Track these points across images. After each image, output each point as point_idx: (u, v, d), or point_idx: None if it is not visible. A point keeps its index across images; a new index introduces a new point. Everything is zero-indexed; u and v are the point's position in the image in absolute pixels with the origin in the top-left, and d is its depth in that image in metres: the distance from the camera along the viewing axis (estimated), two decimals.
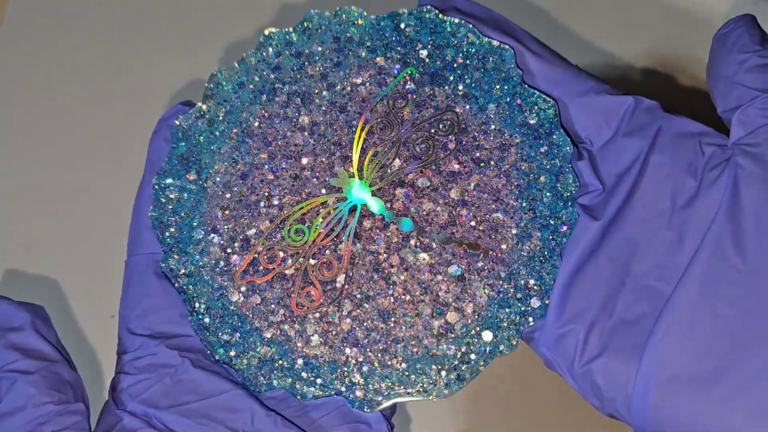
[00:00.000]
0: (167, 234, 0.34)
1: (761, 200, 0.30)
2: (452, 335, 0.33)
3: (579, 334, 0.32)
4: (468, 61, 0.35)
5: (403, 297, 0.33)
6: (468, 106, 0.35)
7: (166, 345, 0.33)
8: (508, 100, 0.35)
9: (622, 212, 0.33)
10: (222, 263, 0.34)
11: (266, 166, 0.35)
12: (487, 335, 0.33)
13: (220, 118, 0.35)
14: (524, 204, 0.34)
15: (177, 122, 0.35)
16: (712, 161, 0.32)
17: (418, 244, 0.33)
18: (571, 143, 0.34)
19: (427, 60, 0.35)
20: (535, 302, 0.33)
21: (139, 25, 0.46)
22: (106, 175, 0.43)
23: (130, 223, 0.35)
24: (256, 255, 0.34)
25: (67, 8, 0.46)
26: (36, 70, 0.45)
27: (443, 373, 0.32)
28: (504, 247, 0.33)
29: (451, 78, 0.35)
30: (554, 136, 0.34)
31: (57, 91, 0.45)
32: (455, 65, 0.35)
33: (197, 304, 0.33)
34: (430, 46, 0.35)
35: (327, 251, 0.34)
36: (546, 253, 0.33)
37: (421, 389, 0.32)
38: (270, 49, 0.36)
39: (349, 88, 0.35)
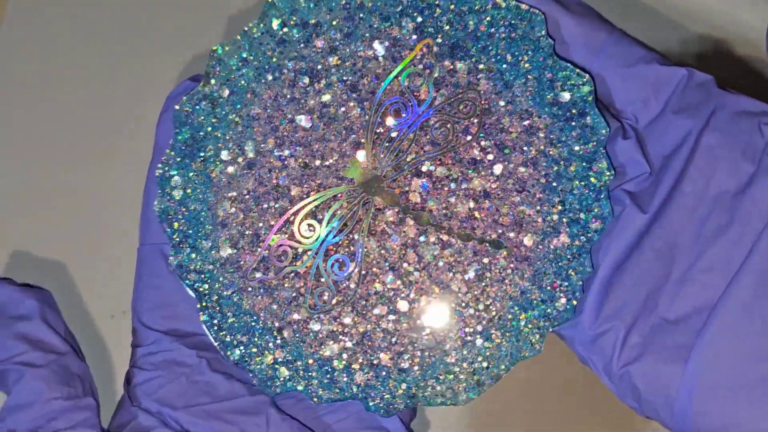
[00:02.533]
0: (175, 228, 0.33)
1: None
2: (472, 338, 0.31)
3: (618, 332, 0.29)
4: (493, 29, 0.31)
5: (419, 297, 0.31)
6: (492, 83, 0.31)
7: (184, 343, 0.32)
8: (537, 74, 0.31)
9: (670, 199, 0.30)
10: (233, 260, 0.32)
11: (274, 154, 0.32)
12: (509, 339, 0.31)
13: (224, 99, 0.33)
14: (552, 196, 0.31)
15: (178, 107, 0.33)
16: None
17: (437, 240, 0.31)
18: (608, 125, 0.31)
19: (448, 27, 0.32)
20: (561, 304, 0.31)
21: (139, 24, 0.45)
22: (107, 174, 0.42)
23: (141, 210, 0.34)
24: (266, 252, 0.32)
25: (66, 7, 0.45)
26: (36, 70, 0.44)
27: (462, 377, 0.31)
28: (529, 243, 0.31)
29: (474, 50, 0.31)
30: (588, 118, 0.31)
31: (57, 91, 0.44)
32: (479, 34, 0.31)
33: (208, 303, 0.32)
34: (451, 12, 0.32)
35: (340, 249, 0.32)
36: (574, 250, 0.31)
37: (439, 394, 0.31)
38: (273, 20, 0.33)
39: (360, 64, 0.32)
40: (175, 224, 0.33)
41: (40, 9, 0.44)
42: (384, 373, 0.31)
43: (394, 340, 0.31)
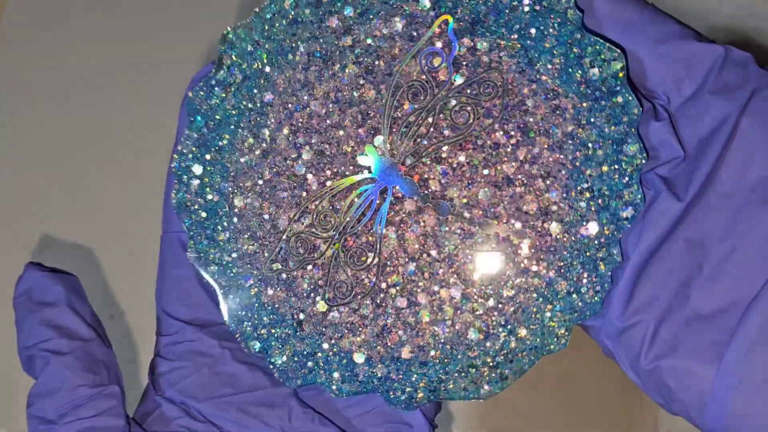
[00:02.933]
0: (192, 219, 0.32)
1: None
2: (495, 331, 0.30)
3: (648, 326, 0.28)
4: (516, 2, 0.29)
5: (441, 289, 0.30)
6: (516, 61, 0.29)
7: (206, 333, 0.32)
8: (564, 50, 0.29)
9: (705, 186, 0.28)
10: (251, 252, 0.32)
11: (288, 142, 0.31)
12: (533, 333, 0.30)
13: (237, 84, 0.32)
14: (580, 182, 0.29)
15: (191, 94, 0.32)
16: None
17: (458, 230, 0.30)
18: (640, 104, 0.28)
19: (467, 1, 0.30)
20: (588, 297, 0.29)
21: (139, 22, 0.44)
22: (107, 174, 0.42)
23: (164, 197, 0.34)
24: (285, 244, 0.31)
25: (66, 6, 0.45)
26: (35, 69, 0.44)
27: (485, 371, 0.30)
28: (555, 232, 0.29)
29: (496, 25, 0.29)
30: (619, 97, 0.28)
31: (56, 89, 0.44)
32: (500, 7, 0.29)
33: (230, 296, 0.32)
34: None
35: (358, 239, 0.31)
36: (603, 240, 0.29)
37: (461, 388, 0.30)
38: (286, 0, 0.31)
39: (376, 44, 0.30)
40: (192, 216, 0.32)
41: (40, 7, 0.44)
42: (405, 367, 0.31)
43: (415, 332, 0.30)
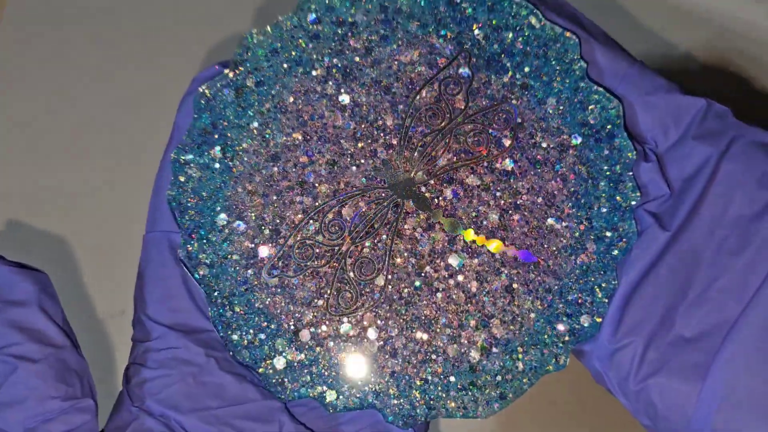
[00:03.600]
0: (187, 217, 0.31)
1: None
2: (497, 350, 0.30)
3: (637, 348, 0.30)
4: (528, 48, 0.32)
5: (446, 305, 0.30)
6: (526, 99, 0.32)
7: (192, 340, 0.29)
8: (568, 95, 0.32)
9: (689, 220, 0.31)
10: (248, 255, 0.31)
11: (301, 148, 0.31)
12: (534, 352, 0.31)
13: (250, 88, 0.31)
14: (580, 213, 0.31)
15: (201, 89, 0.31)
16: None
17: (465, 248, 0.31)
18: (634, 148, 0.32)
19: (483, 42, 0.32)
20: (585, 320, 0.31)
21: (140, 20, 0.44)
22: (107, 172, 0.41)
23: (151, 195, 0.32)
24: (287, 248, 0.30)
25: (66, 5, 0.44)
26: (35, 68, 0.43)
27: (486, 390, 0.30)
28: (557, 257, 0.31)
29: (509, 65, 0.32)
30: (616, 140, 0.32)
31: (55, 90, 0.43)
32: (514, 50, 0.32)
33: (219, 299, 0.30)
34: (487, 27, 0.32)
35: (365, 249, 0.31)
36: (600, 267, 0.31)
37: (460, 406, 0.30)
38: (309, 15, 0.32)
39: (395, 67, 0.32)
40: (188, 213, 0.31)
41: (39, 6, 0.44)
42: (404, 383, 0.30)
43: (417, 348, 0.30)
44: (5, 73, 0.43)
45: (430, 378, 0.30)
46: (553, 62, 0.32)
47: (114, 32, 0.44)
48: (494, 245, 0.31)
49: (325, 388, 0.30)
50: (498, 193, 0.31)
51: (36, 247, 0.40)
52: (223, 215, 0.31)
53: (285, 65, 0.31)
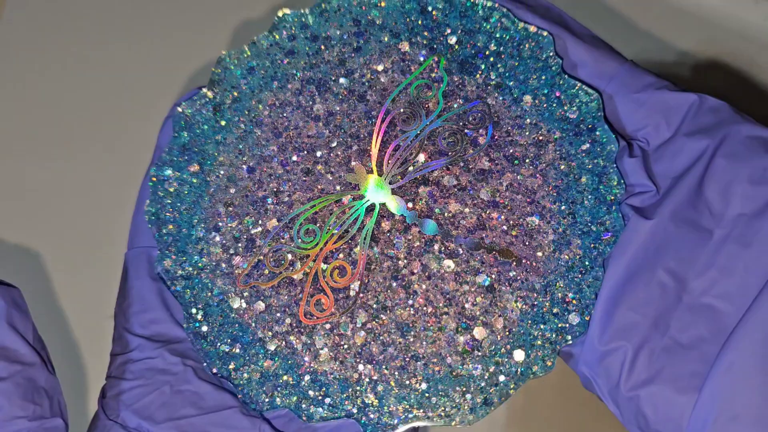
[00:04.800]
0: (164, 231, 0.31)
1: None
2: (479, 353, 0.29)
3: (627, 353, 0.28)
4: (501, 48, 0.32)
5: (424, 308, 0.29)
6: (501, 98, 0.31)
7: (168, 350, 0.29)
8: (546, 91, 0.31)
9: (682, 218, 0.29)
10: (223, 265, 0.30)
11: (276, 159, 0.31)
12: (519, 354, 0.29)
13: (227, 105, 0.32)
14: (563, 207, 0.30)
15: (180, 109, 0.32)
16: None
17: (443, 249, 0.30)
18: (617, 140, 0.30)
19: (457, 46, 0.32)
20: (573, 318, 0.29)
21: (139, 18, 0.45)
22: (103, 173, 0.41)
23: (133, 213, 0.32)
24: (262, 257, 0.30)
25: (64, 6, 0.45)
26: (33, 68, 0.44)
27: (468, 395, 0.29)
28: (539, 255, 0.30)
29: (483, 66, 0.32)
30: (597, 132, 0.31)
31: (54, 88, 0.43)
32: (487, 52, 0.32)
33: (194, 310, 0.30)
34: (459, 32, 0.32)
35: (340, 255, 0.30)
36: (587, 263, 0.29)
37: (442, 413, 0.29)
38: (283, 32, 0.33)
39: (369, 76, 0.32)
40: (166, 227, 0.31)
41: (39, 4, 0.44)
42: (381, 389, 0.29)
43: (394, 353, 0.29)
44: (5, 72, 0.44)
45: (408, 384, 0.29)
46: (528, 61, 0.31)
47: (115, 29, 0.44)
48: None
49: (299, 397, 0.29)
50: (474, 192, 0.30)
51: (10, 256, 0.41)
52: (200, 228, 0.31)
53: (261, 81, 0.32)
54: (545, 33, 0.31)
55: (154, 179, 0.31)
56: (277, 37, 0.32)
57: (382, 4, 0.33)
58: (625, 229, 0.29)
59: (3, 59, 0.44)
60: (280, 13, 0.33)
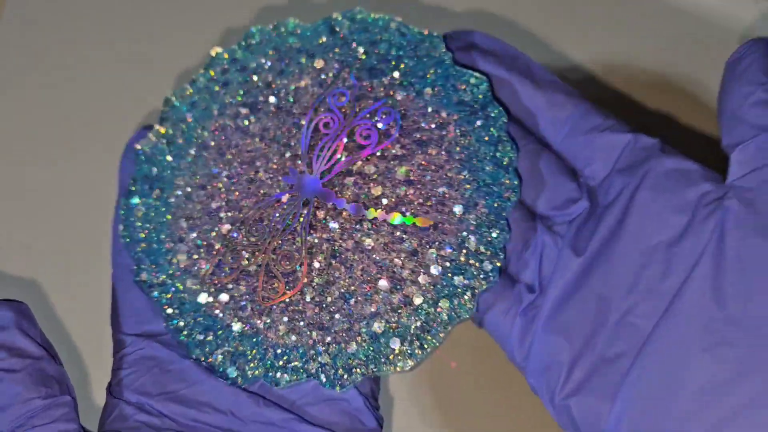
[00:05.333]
0: (138, 250, 0.36)
1: (744, 246, 0.29)
2: (411, 308, 0.34)
3: (563, 367, 0.32)
4: (402, 52, 0.37)
5: (361, 277, 0.34)
6: (406, 93, 0.37)
7: (154, 341, 0.35)
8: (441, 82, 0.36)
9: (609, 247, 0.32)
10: (190, 269, 0.36)
11: (223, 174, 0.37)
12: (444, 303, 0.34)
13: (178, 137, 0.38)
14: (467, 175, 0.35)
15: (138, 146, 0.38)
16: (706, 197, 0.30)
17: (371, 226, 0.35)
18: (505, 112, 0.36)
19: (364, 57, 0.37)
20: (486, 265, 0.34)
21: (139, 19, 0.46)
22: (105, 172, 0.42)
23: (111, 237, 0.38)
24: (221, 257, 0.35)
25: (64, 7, 0.46)
26: (33, 69, 0.45)
27: (405, 344, 0.34)
28: (458, 213, 0.35)
29: (387, 69, 0.37)
30: (488, 109, 0.36)
31: (54, 89, 0.45)
32: (389, 57, 0.37)
33: (170, 311, 0.35)
34: (365, 44, 0.37)
35: (286, 245, 0.35)
36: (492, 218, 0.34)
37: (386, 361, 0.34)
38: (217, 68, 0.38)
39: (293, 93, 0.37)
40: (139, 246, 0.36)
41: (38, 6, 0.45)
42: (333, 350, 0.34)
43: (341, 318, 0.34)
44: (5, 73, 0.44)
45: (356, 341, 0.34)
46: (425, 59, 0.37)
47: (115, 33, 0.45)
48: (396, 218, 0.35)
49: (266, 368, 0.34)
50: (391, 175, 0.35)
51: (10, 256, 0.41)
52: (167, 241, 0.36)
53: (203, 112, 0.38)
54: (436, 35, 0.37)
55: (124, 208, 0.37)
56: (212, 73, 0.38)
57: (298, 31, 0.38)
58: (559, 259, 0.34)
59: (3, 59, 0.45)
60: (212, 52, 0.39)
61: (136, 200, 0.37)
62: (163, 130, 0.38)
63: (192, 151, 0.38)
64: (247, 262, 0.35)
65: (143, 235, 0.37)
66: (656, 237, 0.31)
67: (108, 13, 0.46)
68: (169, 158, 0.38)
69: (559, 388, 0.32)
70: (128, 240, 0.37)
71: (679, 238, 0.30)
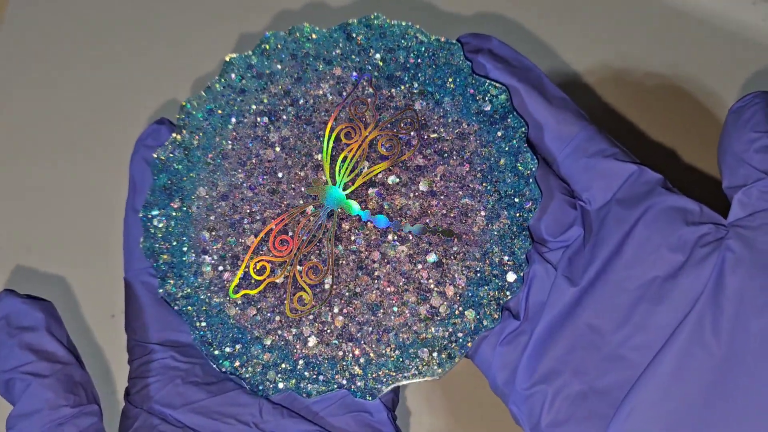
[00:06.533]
0: (161, 261, 0.36)
1: (743, 287, 0.29)
2: (438, 318, 0.35)
3: (546, 396, 0.32)
4: (420, 60, 0.37)
5: (388, 289, 0.35)
6: (425, 103, 0.37)
7: (177, 351, 0.35)
8: (461, 91, 0.37)
9: (604, 278, 0.32)
10: (216, 281, 0.36)
11: (244, 185, 0.37)
12: (470, 313, 0.35)
13: (195, 145, 0.37)
14: (489, 187, 0.36)
15: (155, 155, 0.37)
16: (705, 238, 0.31)
17: (396, 237, 0.36)
18: (526, 123, 0.36)
19: (381, 64, 0.37)
20: (510, 276, 0.35)
21: (140, 20, 0.46)
22: (106, 173, 0.43)
23: (123, 241, 0.37)
24: (246, 269, 0.36)
25: (66, 8, 0.46)
26: (35, 69, 0.45)
27: (434, 354, 0.35)
28: (475, 229, 0.35)
29: (406, 78, 0.37)
30: (509, 120, 0.36)
31: (56, 90, 0.45)
32: (408, 65, 0.37)
33: (198, 323, 0.36)
34: (382, 51, 0.37)
35: (312, 256, 0.36)
36: (515, 229, 0.35)
37: (416, 372, 0.35)
38: (232, 75, 0.38)
39: (312, 101, 0.37)
40: (162, 257, 0.36)
41: (40, 8, 0.45)
42: (364, 361, 0.35)
43: (369, 329, 0.35)
44: (5, 72, 0.44)
45: (384, 352, 0.35)
46: (444, 67, 0.37)
47: (115, 34, 0.45)
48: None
49: (297, 379, 0.35)
50: (414, 186, 0.36)
51: (10, 256, 0.41)
52: (190, 254, 0.36)
53: (220, 120, 0.37)
54: (455, 42, 0.37)
55: (144, 219, 0.37)
56: (227, 79, 0.38)
57: (313, 36, 0.38)
58: (554, 288, 0.34)
59: (5, 60, 0.44)
60: (227, 58, 0.38)
61: (155, 212, 0.37)
62: (179, 138, 0.38)
63: (210, 161, 0.37)
64: (273, 275, 0.36)
65: (165, 247, 0.37)
66: (652, 272, 0.31)
67: (110, 14, 0.46)
68: (186, 166, 0.37)
69: (543, 418, 0.32)
70: (149, 252, 0.37)
71: (675, 275, 0.31)
